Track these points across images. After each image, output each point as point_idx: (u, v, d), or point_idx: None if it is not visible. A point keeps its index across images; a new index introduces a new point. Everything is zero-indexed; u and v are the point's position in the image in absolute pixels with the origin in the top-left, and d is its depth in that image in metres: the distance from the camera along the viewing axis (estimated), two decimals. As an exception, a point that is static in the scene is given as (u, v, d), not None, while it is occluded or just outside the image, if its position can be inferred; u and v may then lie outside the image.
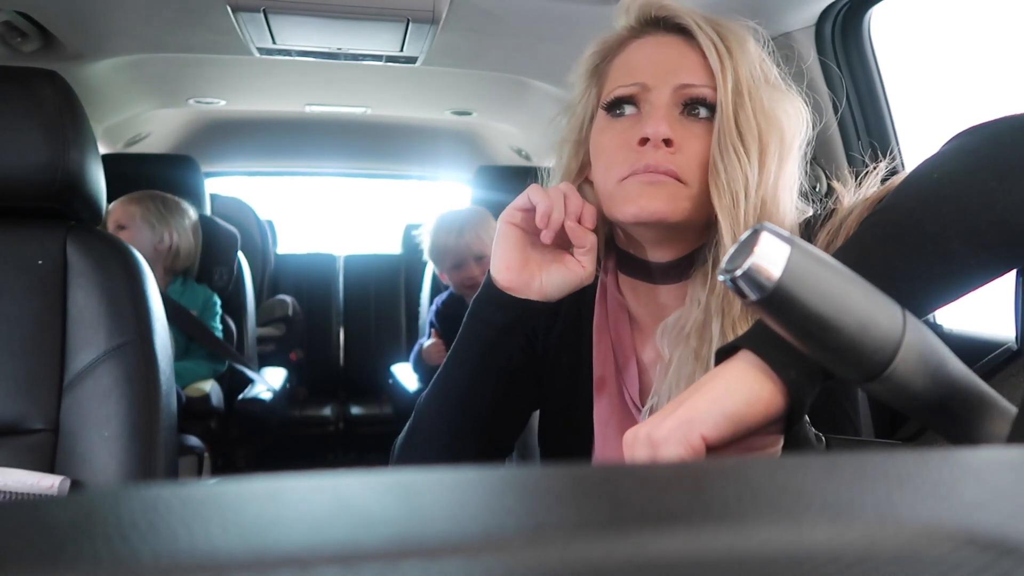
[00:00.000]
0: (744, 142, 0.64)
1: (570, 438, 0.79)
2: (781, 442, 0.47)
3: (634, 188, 0.66)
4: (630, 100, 0.68)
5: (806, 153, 0.71)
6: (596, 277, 0.74)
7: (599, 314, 0.78)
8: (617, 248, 0.76)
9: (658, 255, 0.72)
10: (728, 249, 0.58)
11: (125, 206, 1.95)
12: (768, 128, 0.65)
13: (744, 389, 0.43)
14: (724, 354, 0.47)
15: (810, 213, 0.72)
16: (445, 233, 1.97)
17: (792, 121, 0.67)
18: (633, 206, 0.65)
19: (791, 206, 0.69)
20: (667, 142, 0.65)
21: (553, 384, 0.80)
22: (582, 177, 0.74)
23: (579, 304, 0.80)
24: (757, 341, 0.45)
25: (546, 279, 0.70)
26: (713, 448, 0.43)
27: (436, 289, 2.46)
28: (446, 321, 2.08)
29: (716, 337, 0.65)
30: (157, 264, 1.98)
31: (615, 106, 0.69)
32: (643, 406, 0.73)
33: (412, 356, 2.23)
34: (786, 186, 0.67)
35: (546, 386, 0.81)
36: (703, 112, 0.67)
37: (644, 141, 0.65)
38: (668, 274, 0.72)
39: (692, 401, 0.44)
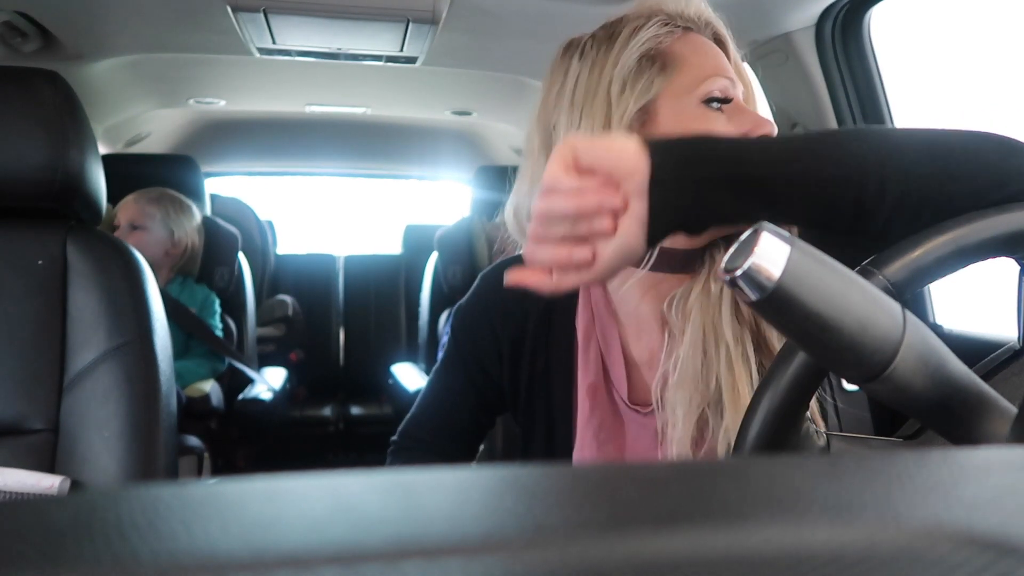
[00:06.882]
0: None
1: (555, 448, 0.79)
2: (642, 214, 0.53)
3: None
4: (725, 93, 0.71)
5: None
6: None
7: (585, 320, 0.77)
8: None
9: (695, 241, 0.69)
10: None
11: (143, 205, 1.94)
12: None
13: (620, 138, 0.55)
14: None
15: None
16: None
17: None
18: None
19: None
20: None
21: (529, 397, 0.81)
22: None
23: (549, 315, 0.79)
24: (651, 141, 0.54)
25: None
26: (584, 172, 0.53)
27: (436, 289, 2.46)
28: None
29: (725, 301, 0.66)
30: (165, 266, 1.98)
31: (715, 99, 0.70)
32: (632, 402, 0.74)
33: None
34: None
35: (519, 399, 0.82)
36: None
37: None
38: (690, 261, 0.70)
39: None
